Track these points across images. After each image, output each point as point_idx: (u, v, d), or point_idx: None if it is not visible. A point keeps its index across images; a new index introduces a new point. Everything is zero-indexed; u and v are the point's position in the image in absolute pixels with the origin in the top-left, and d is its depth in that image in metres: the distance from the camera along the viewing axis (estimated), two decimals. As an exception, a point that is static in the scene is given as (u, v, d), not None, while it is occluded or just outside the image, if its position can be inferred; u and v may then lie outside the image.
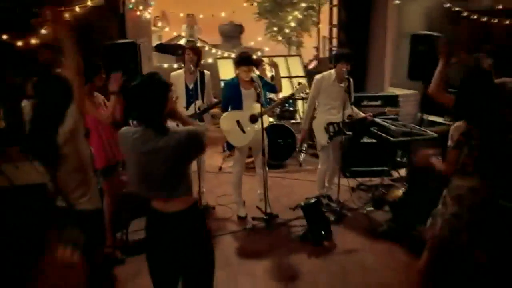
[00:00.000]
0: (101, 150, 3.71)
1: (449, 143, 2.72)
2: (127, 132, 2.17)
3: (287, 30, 8.99)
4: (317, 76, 4.89)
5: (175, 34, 10.16)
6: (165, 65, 8.89)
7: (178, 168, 2.11)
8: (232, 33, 11.77)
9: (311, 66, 10.93)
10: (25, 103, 2.99)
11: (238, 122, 4.51)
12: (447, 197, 2.76)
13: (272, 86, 4.63)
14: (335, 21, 7.17)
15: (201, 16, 9.81)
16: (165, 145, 2.07)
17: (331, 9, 7.12)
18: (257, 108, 4.41)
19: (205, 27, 10.31)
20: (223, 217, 4.84)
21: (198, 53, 4.86)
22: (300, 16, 9.02)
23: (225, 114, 4.52)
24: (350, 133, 4.90)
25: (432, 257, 2.89)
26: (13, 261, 3.80)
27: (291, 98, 6.26)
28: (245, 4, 10.18)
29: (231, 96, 4.46)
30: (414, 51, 6.25)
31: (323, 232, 4.20)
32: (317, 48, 8.81)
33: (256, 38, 10.02)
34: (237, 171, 4.68)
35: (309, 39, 10.42)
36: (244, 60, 4.36)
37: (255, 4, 10.55)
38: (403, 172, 5.92)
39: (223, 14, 8.86)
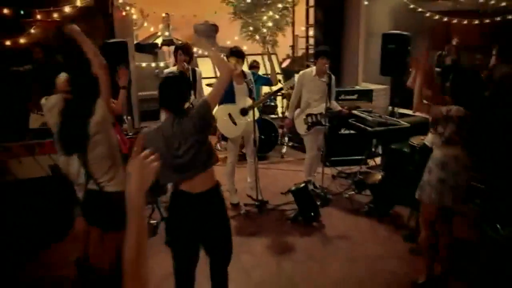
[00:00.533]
0: None
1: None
2: (149, 131, 2.49)
3: (264, 30, 9.34)
4: (300, 72, 5.30)
5: (152, 30, 10.30)
6: (143, 64, 9.04)
7: (203, 138, 2.45)
8: (207, 33, 11.99)
9: (284, 65, 11.36)
10: (44, 101, 3.21)
11: (229, 115, 4.84)
12: (432, 166, 3.22)
13: (267, 79, 5.00)
14: (311, 21, 7.58)
15: (182, 15, 10.03)
16: (187, 121, 2.44)
17: (307, 10, 7.54)
18: (248, 102, 4.76)
19: (186, 26, 10.53)
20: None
21: (188, 51, 5.16)
22: (277, 16, 9.40)
23: (218, 107, 4.84)
24: (328, 124, 5.32)
25: (429, 230, 3.35)
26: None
27: (279, 92, 6.59)
28: (225, 5, 10.49)
29: (227, 93, 4.79)
30: (385, 49, 6.81)
31: (312, 214, 4.60)
32: (292, 47, 9.23)
33: (232, 37, 10.34)
34: (230, 161, 5.01)
35: (283, 38, 10.82)
36: (234, 52, 4.74)
37: (229, 4, 10.83)
38: (378, 160, 6.43)
39: (216, 13, 9.12)
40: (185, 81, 2.56)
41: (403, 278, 3.63)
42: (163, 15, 10.47)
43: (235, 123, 4.85)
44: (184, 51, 5.06)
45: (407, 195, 4.14)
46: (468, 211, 4.27)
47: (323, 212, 4.82)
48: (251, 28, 10.21)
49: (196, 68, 5.23)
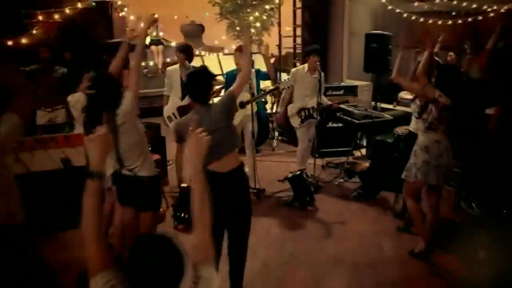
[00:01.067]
0: None
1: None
2: (180, 121, 2.87)
3: (253, 30, 9.72)
4: (293, 70, 5.73)
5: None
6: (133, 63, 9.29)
7: (229, 124, 2.83)
8: (193, 33, 12.30)
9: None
10: (70, 98, 3.51)
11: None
12: (417, 150, 3.68)
13: (266, 74, 5.41)
14: (298, 22, 8.00)
15: (175, 17, 10.33)
16: (215, 109, 2.85)
17: (294, 11, 7.96)
18: (246, 96, 5.14)
19: (175, 27, 10.83)
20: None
21: (184, 51, 5.51)
22: (264, 17, 9.80)
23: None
24: (319, 117, 5.74)
25: (414, 201, 3.81)
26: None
27: (276, 90, 6.94)
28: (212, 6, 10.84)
29: (229, 85, 5.17)
30: (368, 47, 7.27)
31: (307, 199, 5.01)
32: (279, 46, 9.60)
33: (219, 37, 10.70)
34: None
35: (268, 38, 11.21)
36: (239, 48, 5.16)
37: (216, 5, 11.18)
38: (363, 151, 6.89)
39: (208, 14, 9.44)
40: (209, 74, 2.92)
41: (390, 251, 4.10)
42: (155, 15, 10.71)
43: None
44: (179, 51, 5.44)
45: (392, 180, 4.64)
46: (451, 194, 4.77)
47: (316, 198, 5.23)
48: (237, 28, 10.57)
49: (196, 66, 5.58)
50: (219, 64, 8.34)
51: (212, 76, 2.92)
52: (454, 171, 4.03)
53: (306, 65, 5.58)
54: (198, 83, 2.83)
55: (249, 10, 10.54)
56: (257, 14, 10.17)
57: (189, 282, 1.48)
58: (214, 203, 2.82)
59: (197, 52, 9.34)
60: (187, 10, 11.46)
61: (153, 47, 11.13)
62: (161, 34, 10.11)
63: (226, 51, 9.73)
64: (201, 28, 12.39)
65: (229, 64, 8.01)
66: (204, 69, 2.97)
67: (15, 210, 2.81)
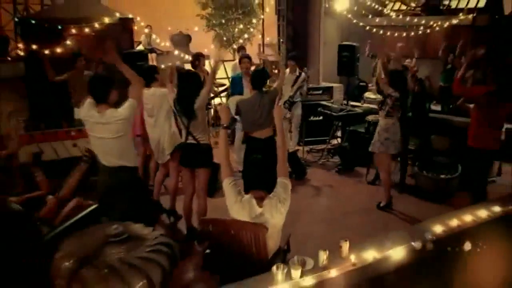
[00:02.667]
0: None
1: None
2: (241, 100, 4.26)
3: (241, 41, 11.09)
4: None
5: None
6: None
7: (271, 108, 4.20)
8: (182, 42, 13.54)
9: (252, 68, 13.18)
10: (145, 90, 4.75)
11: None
12: (380, 130, 5.18)
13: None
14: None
15: (169, 28, 11.55)
16: (265, 97, 4.30)
17: (279, 25, 9.44)
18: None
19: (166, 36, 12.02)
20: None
21: (195, 60, 6.78)
22: (251, 30, 11.21)
23: (231, 97, 6.53)
24: (299, 99, 7.25)
25: (385, 168, 5.30)
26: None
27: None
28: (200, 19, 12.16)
29: (237, 85, 6.51)
30: (340, 55, 8.84)
31: (302, 171, 6.44)
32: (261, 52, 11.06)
33: (208, 46, 12.02)
34: (238, 138, 6.71)
35: (250, 46, 12.63)
36: (245, 56, 6.54)
37: (203, 18, 12.50)
38: (338, 140, 8.39)
39: (196, 28, 10.74)
40: (265, 72, 4.36)
41: (365, 204, 5.58)
42: (145, 29, 11.90)
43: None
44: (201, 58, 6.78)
45: (363, 158, 6.17)
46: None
47: (307, 171, 6.67)
48: (224, 38, 11.93)
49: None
50: (225, 70, 9.66)
51: (267, 74, 4.42)
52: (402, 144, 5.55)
53: (288, 68, 7.07)
54: (260, 77, 4.45)
55: (234, 23, 11.92)
56: (241, 26, 11.57)
57: (282, 182, 2.88)
58: (253, 163, 4.20)
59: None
60: (177, 22, 12.71)
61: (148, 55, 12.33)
62: (157, 40, 11.26)
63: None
64: (188, 38, 13.66)
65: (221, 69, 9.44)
66: (263, 69, 4.46)
67: None
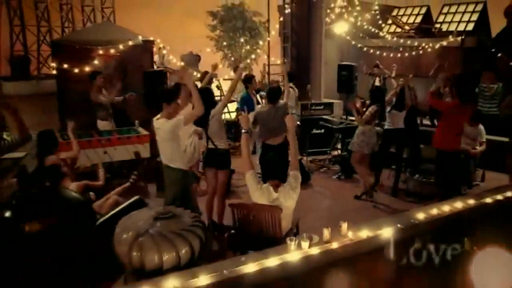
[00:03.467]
0: None
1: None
2: (258, 112, 4.96)
3: (248, 61, 11.89)
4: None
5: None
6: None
7: (283, 118, 4.87)
8: (191, 62, 14.37)
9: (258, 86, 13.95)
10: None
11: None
12: (358, 134, 5.92)
13: None
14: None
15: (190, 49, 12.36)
16: (279, 109, 5.01)
17: (284, 47, 10.21)
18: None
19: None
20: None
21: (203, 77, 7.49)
22: (257, 51, 12.00)
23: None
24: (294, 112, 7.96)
25: (362, 164, 5.99)
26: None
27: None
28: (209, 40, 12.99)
29: (247, 103, 7.20)
30: (340, 74, 9.58)
31: (309, 176, 7.11)
32: (268, 73, 11.77)
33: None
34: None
35: (256, 66, 13.43)
36: (249, 80, 7.26)
37: (212, 40, 13.34)
38: (339, 152, 9.06)
39: (208, 49, 11.54)
40: (280, 89, 5.08)
41: (362, 204, 6.22)
42: (164, 51, 12.72)
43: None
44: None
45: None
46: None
47: (311, 178, 7.32)
48: (232, 59, 12.73)
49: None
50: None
51: (280, 90, 5.15)
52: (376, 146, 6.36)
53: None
54: (274, 92, 5.08)
55: (241, 44, 12.74)
56: (248, 47, 12.38)
57: (294, 174, 3.53)
58: (268, 160, 4.88)
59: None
60: (188, 43, 13.54)
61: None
62: (173, 60, 12.03)
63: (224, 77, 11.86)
64: (198, 58, 14.49)
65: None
66: (278, 86, 5.25)
67: None
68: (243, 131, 3.96)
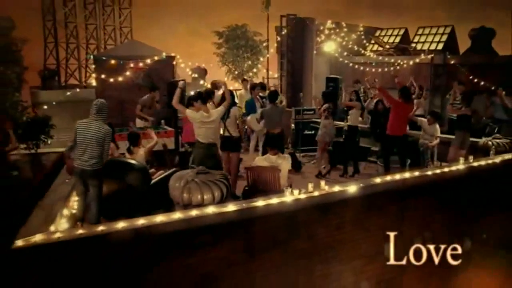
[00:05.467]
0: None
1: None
2: (265, 109, 6.46)
3: (251, 74, 13.45)
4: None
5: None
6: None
7: (281, 115, 6.38)
8: (200, 74, 15.94)
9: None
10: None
11: (256, 119, 8.75)
12: (321, 127, 7.46)
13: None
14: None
15: (189, 63, 13.90)
16: (278, 108, 6.46)
17: (281, 62, 11.79)
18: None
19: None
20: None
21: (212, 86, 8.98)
22: (258, 66, 13.59)
23: (251, 115, 8.66)
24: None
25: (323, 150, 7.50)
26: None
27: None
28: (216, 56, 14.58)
29: (251, 107, 8.71)
30: (327, 85, 11.12)
31: (299, 165, 8.57)
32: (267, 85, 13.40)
33: (222, 77, 14.35)
34: (252, 144, 8.85)
35: (256, 79, 14.98)
36: (256, 86, 8.75)
37: (219, 56, 14.92)
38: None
39: (210, 64, 13.09)
40: (277, 93, 6.58)
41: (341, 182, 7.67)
42: (181, 64, 14.26)
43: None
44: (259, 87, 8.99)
45: (342, 158, 8.33)
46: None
47: (303, 168, 8.78)
48: (236, 72, 14.30)
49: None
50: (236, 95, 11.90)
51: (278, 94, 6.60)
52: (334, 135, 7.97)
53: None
54: (275, 95, 6.50)
55: (243, 60, 14.32)
56: (250, 63, 13.96)
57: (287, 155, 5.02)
58: (271, 138, 6.39)
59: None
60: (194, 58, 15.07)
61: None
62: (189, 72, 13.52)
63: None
64: (205, 71, 16.06)
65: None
66: (276, 90, 6.67)
67: None
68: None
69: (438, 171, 5.85)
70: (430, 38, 14.34)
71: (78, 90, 12.68)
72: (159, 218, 3.85)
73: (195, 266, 3.98)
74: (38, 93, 13.43)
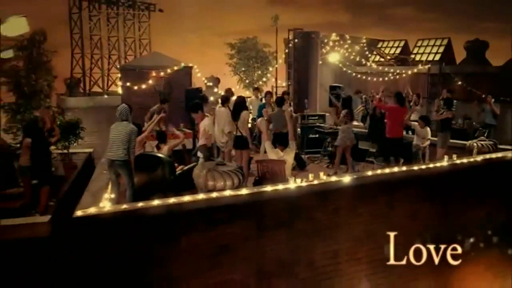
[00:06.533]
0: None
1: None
2: (273, 112, 7.28)
3: (260, 83, 14.31)
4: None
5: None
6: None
7: (285, 117, 7.18)
8: (214, 83, 16.81)
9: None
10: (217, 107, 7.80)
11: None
12: (340, 133, 8.17)
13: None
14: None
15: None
16: (282, 112, 7.24)
17: (288, 72, 12.63)
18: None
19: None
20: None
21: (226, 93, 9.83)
22: (268, 75, 14.45)
23: (260, 118, 9.48)
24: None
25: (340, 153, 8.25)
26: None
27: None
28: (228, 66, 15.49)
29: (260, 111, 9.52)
30: (331, 93, 11.90)
31: (304, 164, 9.35)
32: (276, 93, 14.19)
33: (234, 86, 15.20)
34: (263, 146, 9.63)
35: (265, 87, 15.82)
36: (268, 93, 9.59)
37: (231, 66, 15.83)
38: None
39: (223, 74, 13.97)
40: (283, 98, 7.41)
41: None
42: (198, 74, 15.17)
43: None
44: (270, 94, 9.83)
45: (343, 158, 9.07)
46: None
47: (307, 167, 9.55)
48: (247, 81, 15.18)
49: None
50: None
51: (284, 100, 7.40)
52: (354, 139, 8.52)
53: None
54: (281, 100, 7.29)
55: (254, 70, 15.20)
56: (259, 72, 14.83)
57: (291, 142, 5.84)
58: (278, 137, 7.21)
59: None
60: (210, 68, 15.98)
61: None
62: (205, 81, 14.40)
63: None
64: (218, 80, 16.96)
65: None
66: (283, 96, 7.49)
67: None
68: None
69: (423, 166, 6.57)
70: (428, 50, 15.06)
71: (106, 96, 13.65)
72: (186, 198, 4.66)
73: (214, 238, 4.78)
74: (66, 100, 14.40)
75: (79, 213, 4.17)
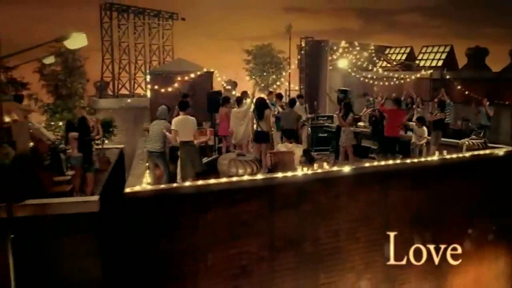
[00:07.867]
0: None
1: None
2: (284, 111, 8.17)
3: (275, 86, 15.22)
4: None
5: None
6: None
7: (294, 117, 8.06)
8: (232, 86, 17.77)
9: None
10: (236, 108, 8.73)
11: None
12: (343, 133, 8.98)
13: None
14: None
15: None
16: (293, 112, 8.15)
17: (300, 77, 13.51)
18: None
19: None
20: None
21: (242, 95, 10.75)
22: (281, 79, 15.35)
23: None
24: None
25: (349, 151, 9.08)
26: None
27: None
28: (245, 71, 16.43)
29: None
30: (340, 96, 12.73)
31: (313, 158, 10.19)
32: (289, 96, 15.08)
33: (248, 90, 16.09)
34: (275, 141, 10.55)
35: (278, 90, 16.69)
36: (278, 95, 10.48)
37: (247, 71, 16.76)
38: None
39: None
40: (294, 99, 8.29)
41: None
42: (218, 78, 16.16)
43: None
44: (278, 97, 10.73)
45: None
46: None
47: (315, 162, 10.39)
48: (262, 85, 16.10)
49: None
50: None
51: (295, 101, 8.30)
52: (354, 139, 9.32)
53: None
54: (292, 101, 8.20)
55: (268, 74, 16.11)
56: (274, 77, 15.74)
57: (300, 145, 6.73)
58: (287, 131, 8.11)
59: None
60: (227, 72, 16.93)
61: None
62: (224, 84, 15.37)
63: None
64: (235, 84, 17.92)
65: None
66: (295, 99, 8.43)
67: None
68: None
69: (415, 160, 7.37)
70: (432, 56, 15.72)
71: (137, 97, 14.74)
72: (212, 181, 5.59)
73: (234, 215, 5.70)
74: (97, 101, 15.53)
75: (127, 190, 5.13)
